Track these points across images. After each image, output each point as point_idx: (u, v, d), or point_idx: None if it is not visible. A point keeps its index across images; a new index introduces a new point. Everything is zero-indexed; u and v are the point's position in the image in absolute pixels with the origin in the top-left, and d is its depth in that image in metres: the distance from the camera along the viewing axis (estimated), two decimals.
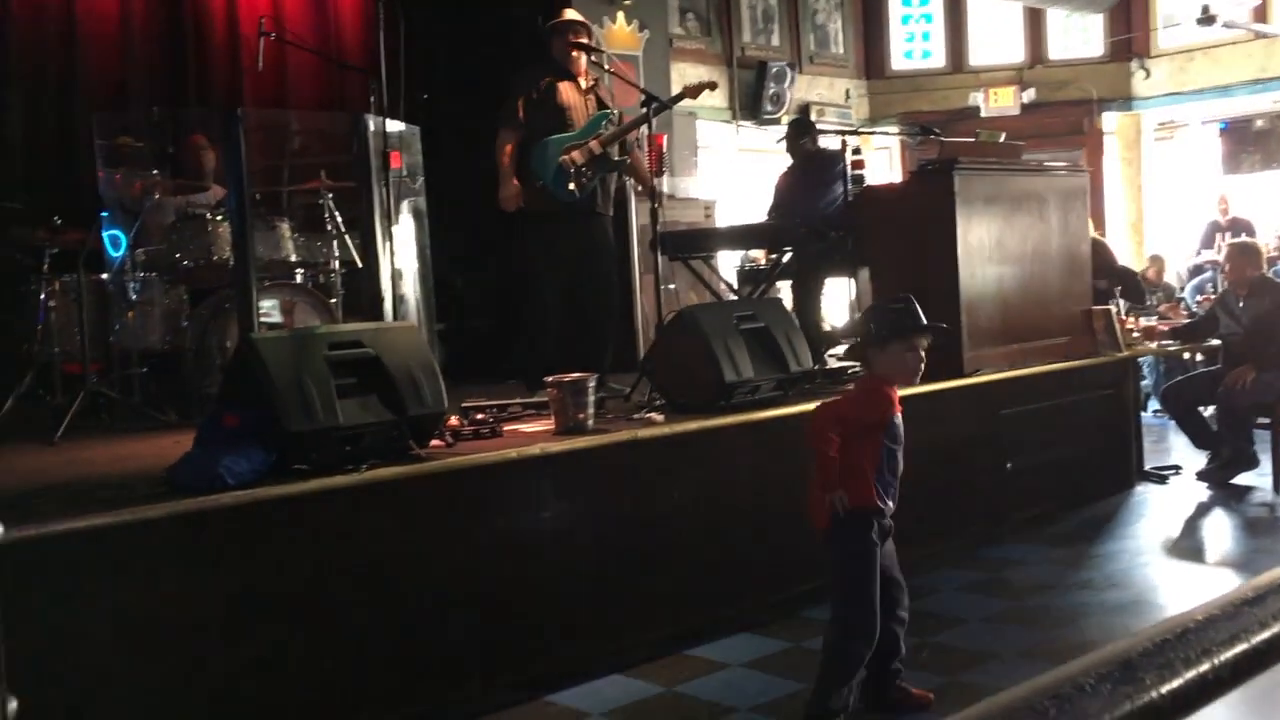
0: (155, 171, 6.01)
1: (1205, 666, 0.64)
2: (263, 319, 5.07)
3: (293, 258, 5.82)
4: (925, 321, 3.37)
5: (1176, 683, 0.62)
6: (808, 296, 6.34)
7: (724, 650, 4.11)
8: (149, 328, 5.64)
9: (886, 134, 10.81)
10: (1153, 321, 7.48)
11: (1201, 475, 6.58)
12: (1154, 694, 0.61)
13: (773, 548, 4.60)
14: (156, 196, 5.89)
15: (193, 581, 3.21)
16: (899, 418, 3.37)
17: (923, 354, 3.35)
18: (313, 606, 3.42)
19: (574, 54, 5.53)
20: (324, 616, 3.44)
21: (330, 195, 5.97)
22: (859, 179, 6.18)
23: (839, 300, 7.36)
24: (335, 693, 3.44)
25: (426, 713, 3.58)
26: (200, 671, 3.19)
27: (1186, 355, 8.36)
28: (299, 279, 5.82)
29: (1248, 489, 6.37)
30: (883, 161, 11.65)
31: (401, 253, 5.54)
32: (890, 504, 3.34)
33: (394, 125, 5.35)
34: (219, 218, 5.55)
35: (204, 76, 7.22)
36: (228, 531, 3.29)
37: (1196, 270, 10.31)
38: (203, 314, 5.60)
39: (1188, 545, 5.60)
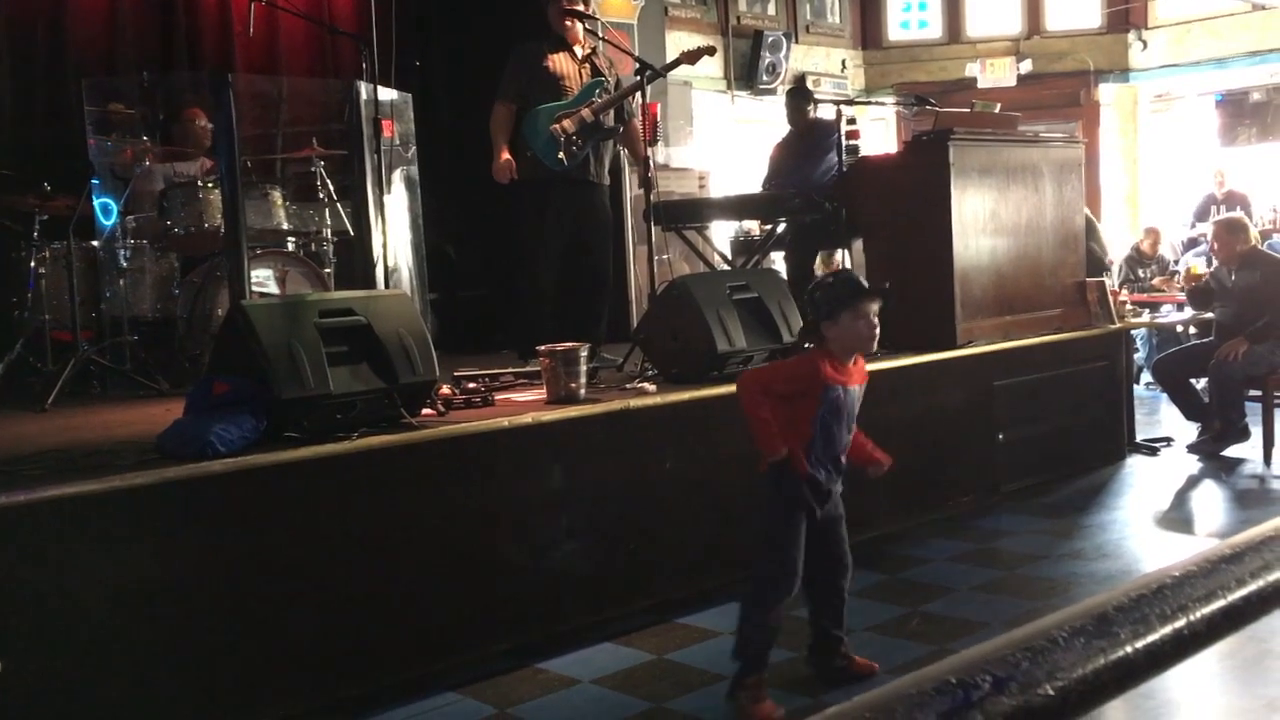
0: (146, 138, 5.97)
1: (1181, 623, 0.63)
2: (255, 288, 5.05)
3: (284, 226, 5.79)
4: (867, 286, 3.37)
5: (1151, 638, 0.62)
6: (801, 267, 6.33)
7: (714, 619, 4.13)
8: (140, 295, 5.62)
9: (882, 104, 10.75)
10: (1198, 263, 7.45)
11: (1193, 447, 6.60)
12: (1128, 649, 0.60)
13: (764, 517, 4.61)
14: (147, 164, 5.86)
15: (182, 549, 3.21)
16: (841, 391, 3.32)
17: (874, 320, 3.31)
18: (304, 574, 3.43)
19: (569, 21, 5.48)
20: (315, 584, 3.44)
21: (322, 163, 5.94)
22: (854, 149, 6.16)
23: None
24: (326, 659, 3.45)
25: (418, 679, 3.59)
26: (190, 638, 3.20)
27: (1179, 328, 8.37)
28: (291, 248, 5.79)
29: (1238, 461, 6.39)
30: (878, 132, 11.60)
31: (394, 221, 5.52)
32: (824, 476, 3.33)
33: (386, 93, 5.32)
34: (210, 185, 5.52)
35: (194, 42, 7.15)
36: (218, 499, 3.28)
37: (1192, 243, 10.30)
38: (194, 282, 5.58)
39: (1178, 516, 5.63)
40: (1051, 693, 0.56)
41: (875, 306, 3.32)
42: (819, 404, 3.28)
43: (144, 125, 6.05)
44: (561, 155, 5.35)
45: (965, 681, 0.54)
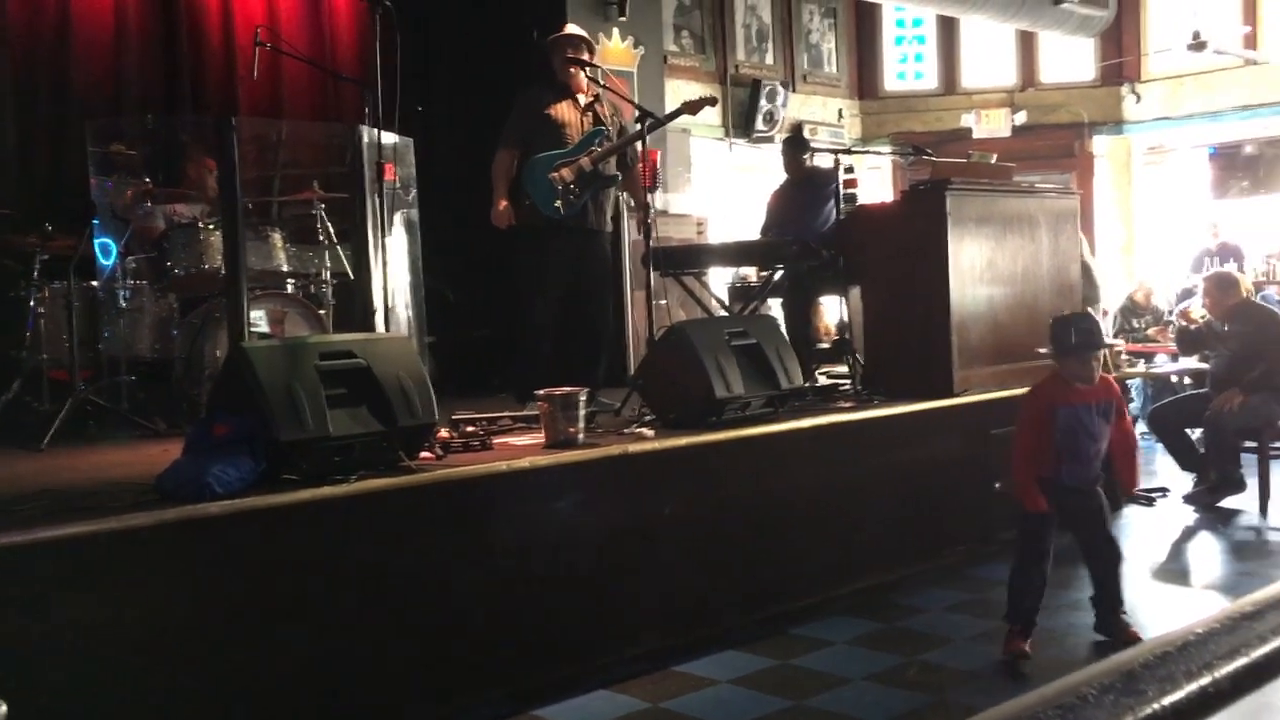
0: (148, 179, 6.00)
1: (1206, 680, 0.64)
2: (252, 329, 5.06)
3: (284, 268, 5.81)
4: (1101, 339, 4.21)
5: (1178, 695, 0.62)
6: (799, 314, 6.35)
7: (711, 667, 4.10)
8: (138, 336, 5.62)
9: (879, 154, 10.85)
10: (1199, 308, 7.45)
11: (1188, 498, 6.60)
12: (1155, 706, 0.61)
13: (761, 565, 4.60)
14: (148, 204, 5.88)
15: (178, 591, 3.19)
16: (1071, 410, 4.11)
17: (1095, 363, 4.14)
18: (300, 618, 3.40)
19: (572, 69, 5.53)
20: (311, 628, 3.42)
21: (323, 206, 5.97)
22: (851, 198, 6.20)
23: (830, 318, 7.39)
24: (319, 706, 3.42)
25: None
26: (184, 682, 3.17)
27: (1174, 378, 8.39)
28: (290, 289, 5.81)
29: (1234, 512, 6.38)
30: (875, 181, 11.69)
31: (394, 264, 5.54)
32: (1069, 475, 4.12)
33: (388, 137, 5.35)
34: (211, 227, 5.54)
35: (198, 85, 7.21)
36: (216, 541, 3.27)
37: (1186, 294, 10.35)
38: (193, 323, 5.59)
39: (1174, 568, 5.61)
40: None
41: (1101, 354, 4.23)
42: (1055, 425, 4.10)
43: (146, 166, 6.08)
44: (558, 204, 5.38)
45: None
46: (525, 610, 3.90)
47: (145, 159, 6.12)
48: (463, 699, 3.70)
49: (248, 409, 3.52)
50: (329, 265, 5.98)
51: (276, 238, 5.81)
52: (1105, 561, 4.26)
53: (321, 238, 5.99)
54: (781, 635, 4.41)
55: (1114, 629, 4.26)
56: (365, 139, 5.17)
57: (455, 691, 3.70)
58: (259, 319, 5.45)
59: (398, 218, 5.86)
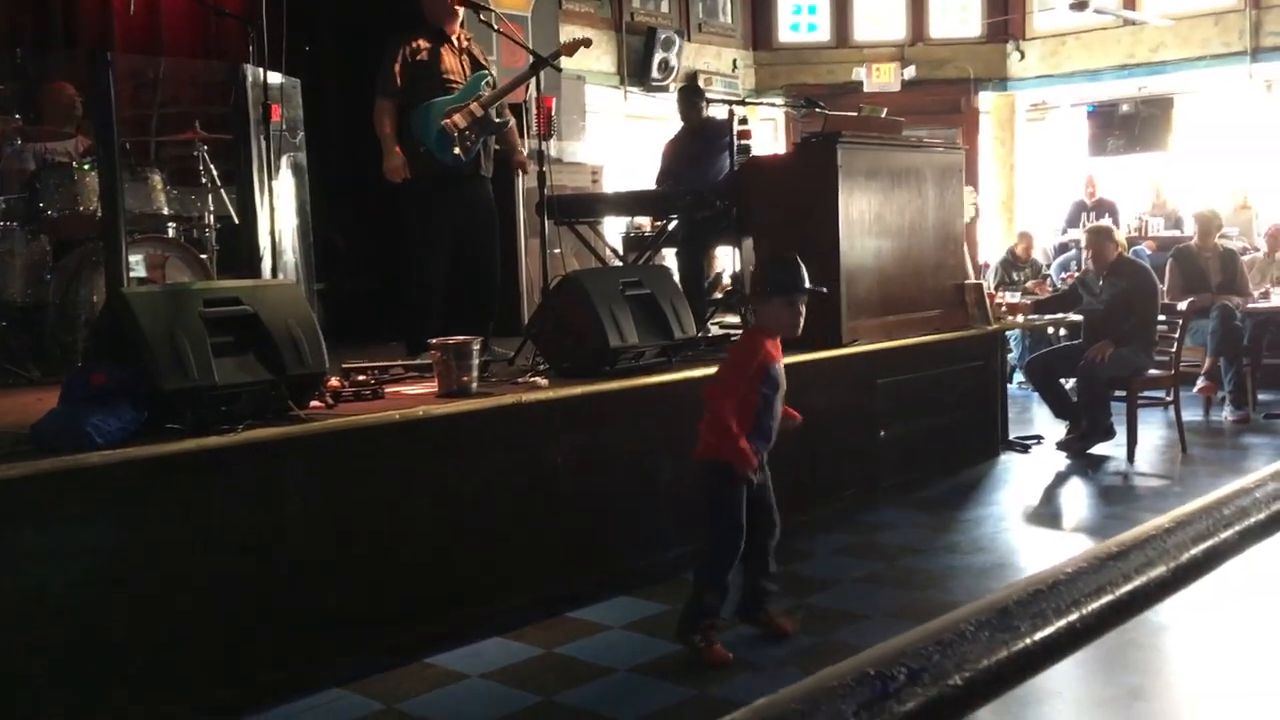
0: (17, 116, 5.73)
1: (1074, 616, 0.68)
2: (130, 274, 4.90)
3: (165, 211, 5.63)
4: (807, 283, 3.68)
5: (1048, 630, 0.67)
6: (692, 264, 6.39)
7: (603, 612, 4.16)
8: (9, 280, 5.39)
9: (772, 105, 10.91)
10: (1016, 298, 7.78)
11: (1061, 445, 6.87)
12: (1028, 641, 0.65)
13: (653, 512, 4.66)
14: (18, 142, 5.62)
15: (55, 545, 3.10)
16: (777, 367, 3.69)
17: (802, 310, 3.66)
18: (185, 570, 3.34)
19: (454, 10, 5.41)
20: (195, 580, 3.36)
21: (205, 147, 5.79)
22: (745, 149, 6.24)
23: (724, 268, 7.46)
24: (207, 658, 3.37)
25: (305, 675, 3.54)
26: (63, 637, 3.10)
27: (1050, 330, 8.70)
28: (171, 233, 5.64)
29: (1104, 458, 6.68)
30: (768, 133, 11.77)
31: (280, 209, 5.42)
32: (763, 445, 3.71)
33: (274, 77, 5.21)
34: (86, 166, 5.32)
35: (71, 18, 6.88)
36: (95, 493, 3.18)
37: (1062, 248, 10.70)
38: (68, 267, 5.38)
39: (1047, 512, 5.86)
40: (960, 683, 0.59)
41: (805, 299, 3.69)
42: (763, 383, 3.65)
43: (15, 102, 5.81)
44: (457, 151, 5.30)
45: (883, 674, 0.57)
46: (418, 560, 3.89)
47: (14, 95, 5.84)
48: (353, 650, 3.68)
49: (128, 357, 3.42)
50: (212, 209, 5.81)
51: (156, 179, 5.62)
52: (762, 534, 3.78)
53: (204, 180, 5.81)
54: (675, 580, 4.48)
55: (760, 617, 3.83)
56: (250, 78, 5.03)
57: (345, 643, 3.68)
58: (137, 264, 5.27)
59: (284, 161, 5.73)
